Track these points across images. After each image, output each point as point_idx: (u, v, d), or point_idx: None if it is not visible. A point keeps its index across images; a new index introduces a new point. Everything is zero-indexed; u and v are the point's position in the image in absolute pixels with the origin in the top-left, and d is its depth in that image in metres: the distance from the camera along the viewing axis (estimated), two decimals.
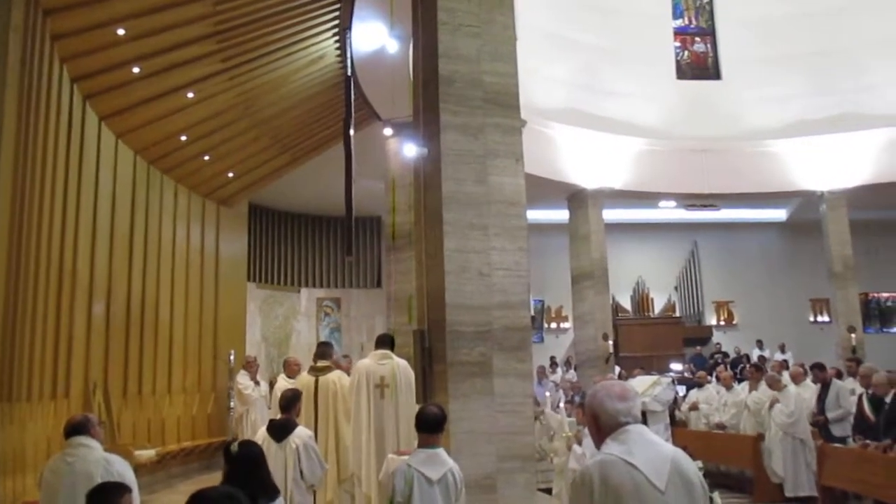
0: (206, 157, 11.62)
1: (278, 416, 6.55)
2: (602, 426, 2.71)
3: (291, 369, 9.57)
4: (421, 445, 4.26)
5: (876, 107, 14.82)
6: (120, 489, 3.71)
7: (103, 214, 9.78)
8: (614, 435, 2.65)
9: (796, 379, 10.05)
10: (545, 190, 14.28)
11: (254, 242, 16.45)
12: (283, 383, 9.62)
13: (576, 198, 15.32)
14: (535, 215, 15.17)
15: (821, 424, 9.03)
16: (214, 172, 12.26)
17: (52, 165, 8.26)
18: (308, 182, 14.56)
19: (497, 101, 5.76)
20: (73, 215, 8.85)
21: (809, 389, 10.13)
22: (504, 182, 5.66)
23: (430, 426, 4.23)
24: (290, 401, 6.57)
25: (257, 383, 11.55)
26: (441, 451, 4.28)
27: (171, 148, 11.03)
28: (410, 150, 6.01)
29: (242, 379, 11.50)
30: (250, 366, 11.70)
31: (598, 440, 2.72)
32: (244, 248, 14.88)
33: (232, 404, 11.30)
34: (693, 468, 2.66)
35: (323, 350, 7.91)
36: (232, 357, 9.98)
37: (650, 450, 2.61)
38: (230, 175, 12.56)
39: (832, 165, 15.35)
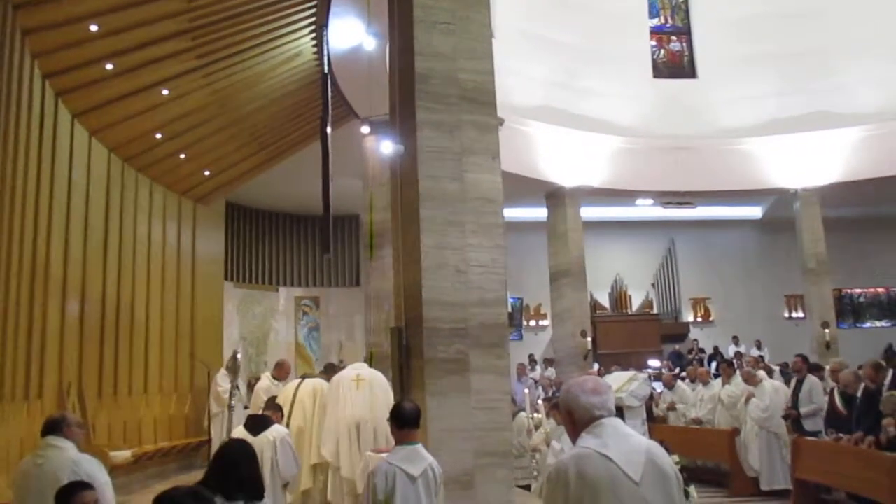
0: (182, 156, 11.51)
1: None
2: (577, 421, 2.72)
3: (282, 371, 9.53)
4: (399, 442, 4.26)
5: (848, 106, 15.05)
6: (77, 487, 3.71)
7: (77, 213, 9.65)
8: (589, 429, 2.66)
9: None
10: (523, 188, 14.34)
11: (231, 241, 16.33)
12: (266, 383, 9.59)
13: (554, 196, 15.39)
14: (514, 213, 15.25)
15: (793, 418, 9.15)
16: (190, 170, 12.14)
17: (24, 163, 8.14)
18: (286, 180, 14.49)
19: (473, 99, 5.76)
20: (45, 213, 8.74)
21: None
22: (481, 179, 5.67)
23: (408, 421, 4.23)
24: (272, 404, 6.63)
25: (237, 389, 11.51)
26: (420, 447, 4.29)
27: (146, 146, 10.91)
28: (387, 147, 5.99)
29: (221, 381, 11.43)
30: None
31: (574, 435, 2.73)
32: (221, 247, 14.76)
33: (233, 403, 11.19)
34: (668, 460, 2.69)
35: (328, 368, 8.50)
36: (239, 355, 9.84)
37: (625, 442, 2.63)
38: (206, 173, 12.45)
39: (805, 163, 15.56)
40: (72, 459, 4.50)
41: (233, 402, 8.80)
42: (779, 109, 15.39)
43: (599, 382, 2.80)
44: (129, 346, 11.02)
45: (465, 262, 5.50)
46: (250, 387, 11.74)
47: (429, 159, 5.53)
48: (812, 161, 15.51)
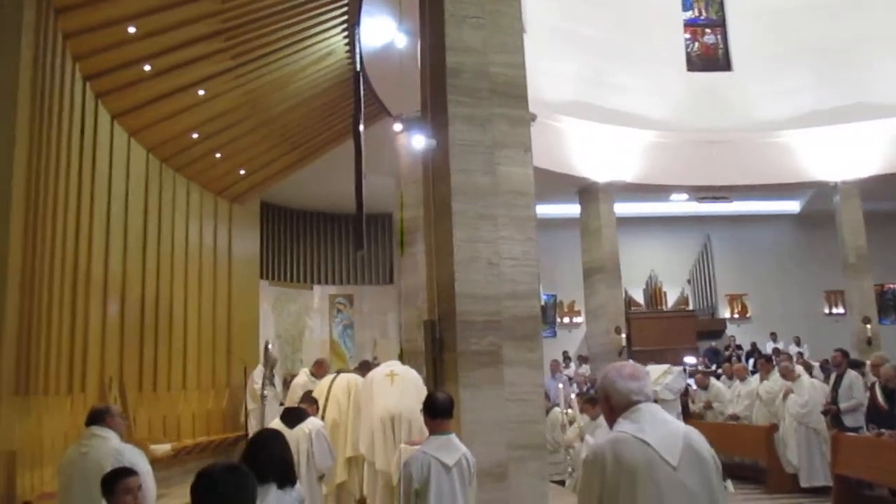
0: (218, 155, 11.70)
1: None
2: (614, 406, 2.71)
3: (321, 369, 9.63)
4: (433, 432, 4.29)
5: (886, 97, 14.74)
6: (123, 473, 3.82)
7: (117, 212, 9.87)
8: (626, 413, 2.65)
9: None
10: (556, 184, 14.30)
11: (266, 240, 16.55)
12: (303, 378, 9.71)
13: (586, 191, 15.31)
14: (546, 210, 15.22)
15: (832, 414, 8.99)
16: (226, 170, 12.34)
17: (66, 163, 8.34)
18: (319, 180, 14.63)
19: (504, 92, 5.76)
20: (87, 213, 8.94)
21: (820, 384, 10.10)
22: (512, 172, 5.68)
23: (441, 411, 4.26)
24: (308, 398, 6.73)
25: (272, 385, 11.66)
26: (454, 437, 4.32)
27: (182, 146, 11.12)
28: (419, 141, 6.02)
29: (258, 377, 11.59)
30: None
31: (611, 420, 2.72)
32: (256, 246, 14.96)
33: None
34: (706, 445, 2.66)
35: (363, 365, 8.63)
36: (271, 346, 10.00)
37: (662, 427, 2.61)
38: (241, 172, 12.64)
39: (844, 156, 15.27)
40: (115, 448, 4.61)
41: (266, 393, 8.91)
42: (816, 101, 15.12)
43: (637, 368, 2.80)
44: (168, 344, 11.24)
45: (498, 255, 5.51)
46: (286, 384, 11.88)
47: (460, 153, 5.55)
48: (851, 153, 15.21)
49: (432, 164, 5.87)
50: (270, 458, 3.83)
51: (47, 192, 7.74)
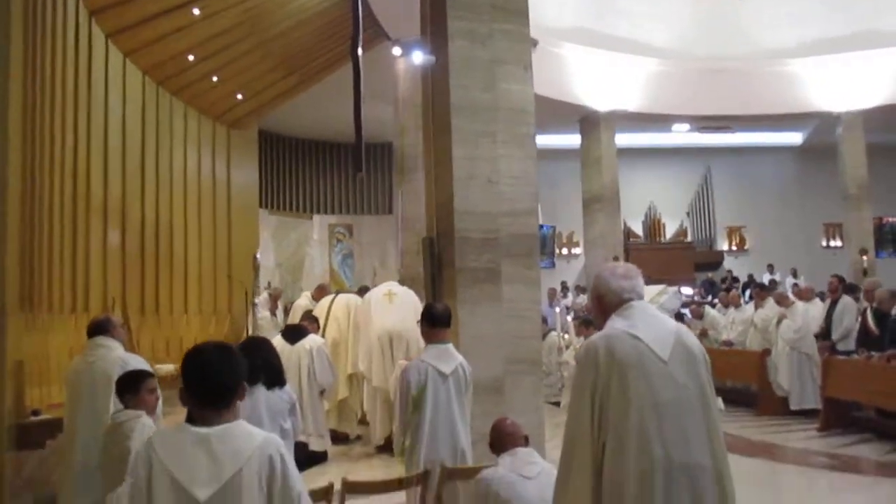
0: (215, 79, 11.55)
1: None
2: (607, 305, 2.75)
3: (322, 293, 9.73)
4: (431, 342, 4.38)
5: (895, 24, 14.43)
6: (144, 374, 3.93)
7: (114, 135, 9.81)
8: (619, 311, 2.69)
9: (805, 295, 10.15)
10: (557, 112, 14.14)
11: (265, 169, 16.48)
12: (304, 301, 9.83)
13: (588, 120, 15.17)
14: (547, 140, 15.08)
15: (824, 335, 9.14)
16: (223, 94, 12.20)
17: (62, 84, 8.25)
18: (317, 107, 14.47)
19: (505, 8, 5.66)
20: (84, 135, 8.90)
21: (817, 307, 10.23)
22: (512, 90, 5.63)
23: (438, 319, 4.34)
24: (309, 316, 6.83)
25: (274, 315, 11.84)
26: (451, 347, 4.41)
27: (179, 68, 10.96)
28: (418, 57, 5.94)
29: (262, 308, 11.74)
30: (275, 299, 12.04)
31: (603, 320, 2.75)
32: (255, 175, 14.91)
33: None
34: (696, 342, 2.72)
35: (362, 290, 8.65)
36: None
37: (654, 324, 2.66)
38: (239, 97, 12.50)
39: (849, 86, 15.07)
40: (120, 357, 4.70)
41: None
42: (823, 29, 14.82)
43: (630, 267, 2.83)
44: (170, 269, 11.34)
45: (497, 173, 5.51)
46: (287, 311, 12.05)
47: (460, 69, 5.49)
48: (856, 83, 15.00)
49: (432, 81, 5.81)
50: (256, 362, 3.93)
51: (44, 113, 7.68)
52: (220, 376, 2.16)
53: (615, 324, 2.67)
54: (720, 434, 2.61)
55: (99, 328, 4.92)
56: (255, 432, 2.19)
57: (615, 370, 2.55)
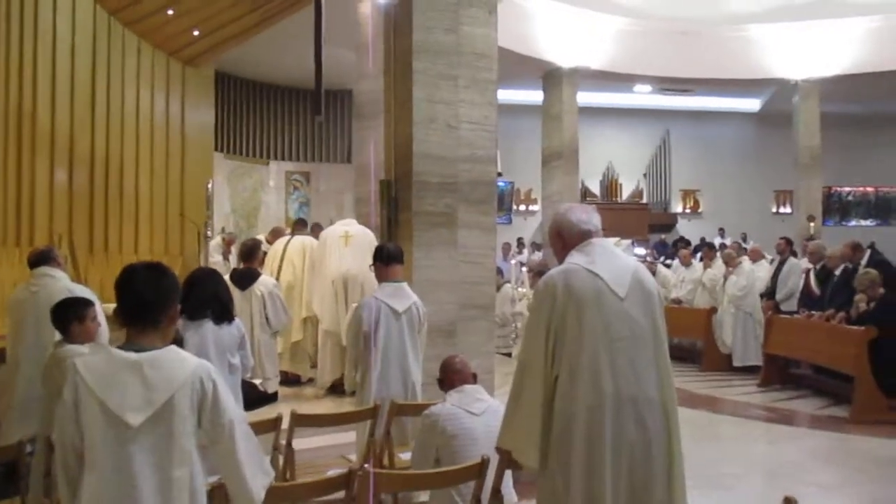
0: (170, 12, 11.11)
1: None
2: (566, 240, 2.78)
3: (275, 236, 9.58)
4: (384, 280, 4.38)
5: None
6: (83, 302, 3.82)
7: (63, 65, 9.39)
8: (579, 247, 2.72)
9: (754, 256, 10.41)
10: (520, 66, 14.04)
11: (221, 111, 16.02)
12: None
13: (551, 76, 15.11)
14: (509, 95, 15.00)
15: (769, 295, 9.42)
16: (179, 29, 11.75)
17: (6, 7, 7.86)
18: (278, 50, 14.08)
19: None
20: (30, 62, 8.50)
21: (763, 268, 10.51)
22: (476, 33, 5.57)
23: (392, 257, 4.35)
24: (250, 249, 6.69)
25: (227, 260, 11.68)
26: (405, 286, 4.42)
27: None
28: None
29: (214, 252, 11.55)
30: (228, 244, 11.86)
31: (563, 256, 2.79)
32: (211, 116, 14.46)
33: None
34: (651, 280, 2.78)
35: (300, 223, 8.53)
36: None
37: (613, 261, 2.71)
38: (195, 33, 12.06)
39: (808, 54, 15.27)
40: (67, 288, 4.61)
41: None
42: None
43: (588, 207, 2.88)
44: (119, 206, 11.01)
45: (457, 118, 5.48)
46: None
47: (423, 9, 5.40)
48: (815, 51, 15.21)
49: (394, 21, 5.70)
50: (203, 295, 3.86)
51: None
52: (145, 293, 2.15)
53: (575, 259, 2.70)
54: (669, 369, 2.69)
55: (42, 258, 4.81)
56: (187, 358, 2.19)
57: (572, 305, 2.60)
